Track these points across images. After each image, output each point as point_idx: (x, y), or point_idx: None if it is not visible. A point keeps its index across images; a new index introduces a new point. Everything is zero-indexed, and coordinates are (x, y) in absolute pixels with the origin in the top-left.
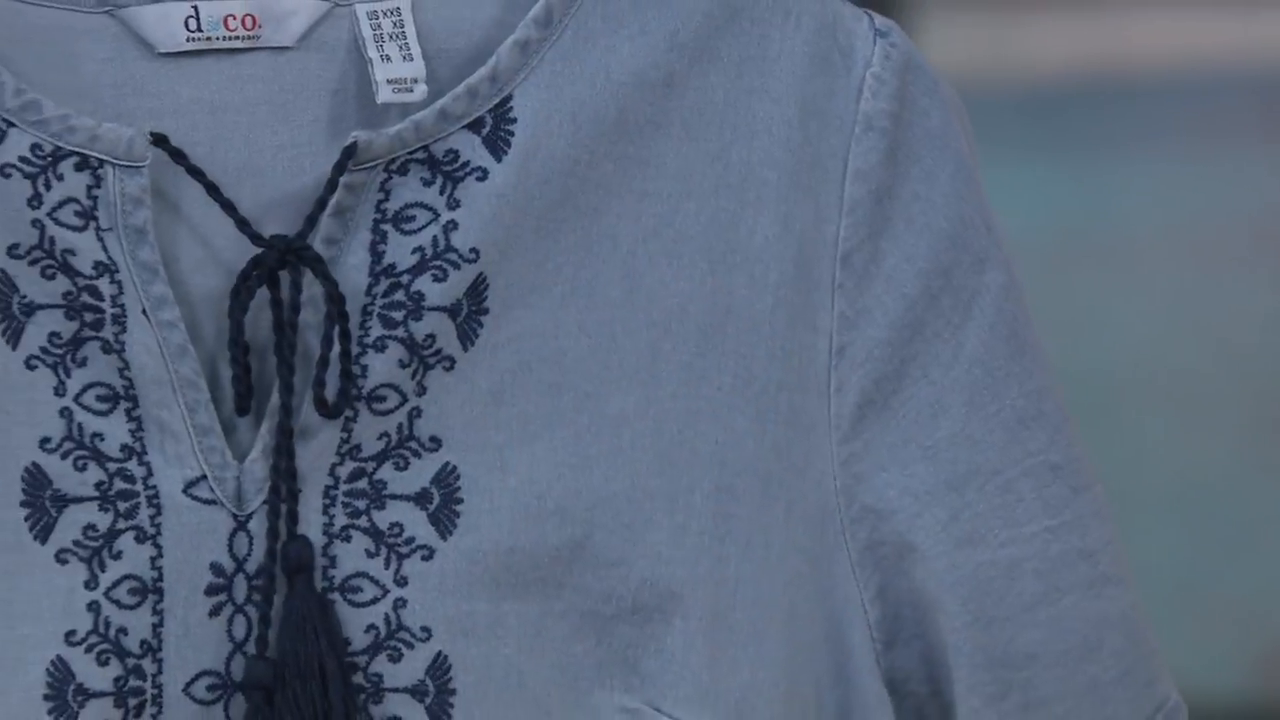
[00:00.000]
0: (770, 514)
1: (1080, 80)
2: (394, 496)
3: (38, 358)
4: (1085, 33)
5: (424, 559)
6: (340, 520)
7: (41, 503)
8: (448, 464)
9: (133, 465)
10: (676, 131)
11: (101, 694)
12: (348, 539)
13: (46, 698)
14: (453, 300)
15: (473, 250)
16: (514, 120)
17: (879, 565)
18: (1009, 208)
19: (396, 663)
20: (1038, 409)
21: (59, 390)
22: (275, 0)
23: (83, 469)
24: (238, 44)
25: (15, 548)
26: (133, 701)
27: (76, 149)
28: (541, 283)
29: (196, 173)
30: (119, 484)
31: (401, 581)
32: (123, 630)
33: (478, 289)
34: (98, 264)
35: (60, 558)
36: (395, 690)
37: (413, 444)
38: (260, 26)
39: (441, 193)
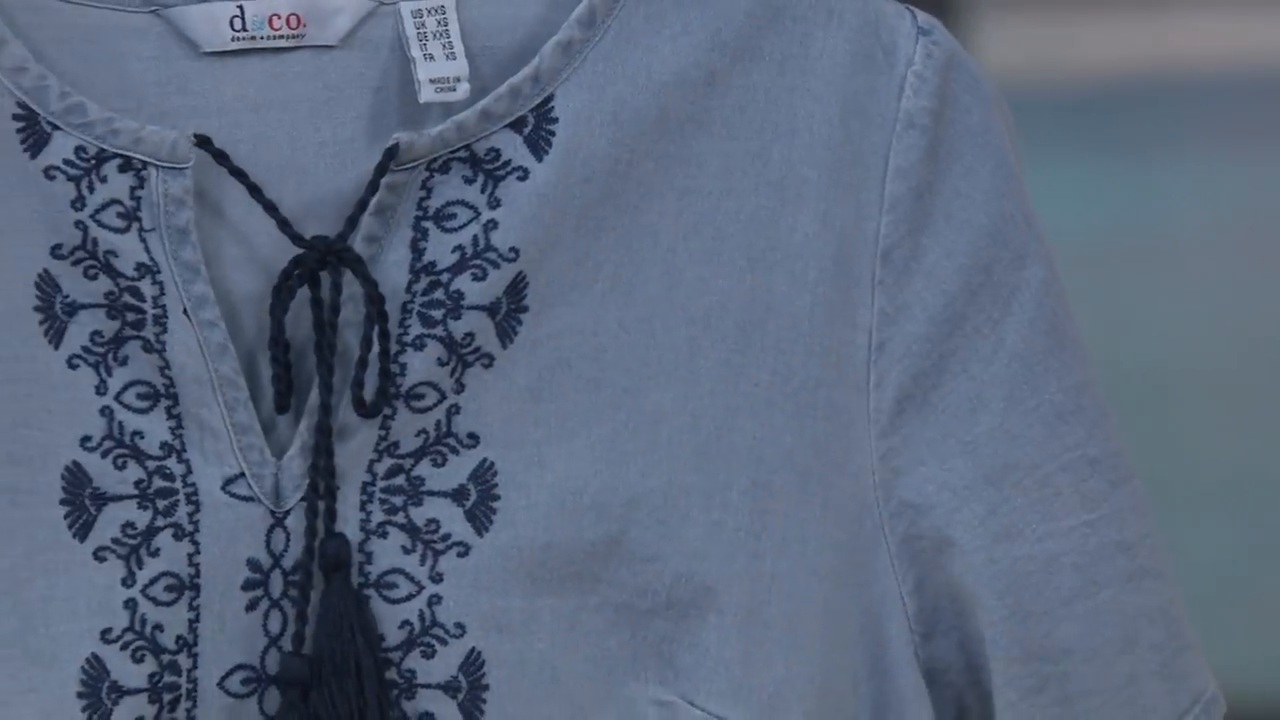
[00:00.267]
0: (807, 509)
1: (1130, 82)
2: (431, 493)
3: (79, 357)
4: (1135, 35)
5: (460, 555)
6: (377, 516)
7: (81, 501)
8: (485, 460)
9: (172, 463)
10: (718, 130)
11: (136, 691)
12: (384, 535)
13: (80, 695)
14: (492, 299)
15: (512, 249)
16: (555, 120)
17: (917, 559)
18: (1059, 207)
19: (430, 659)
20: (1076, 403)
21: (100, 389)
22: (320, 0)
23: (122, 467)
24: (282, 43)
25: (54, 546)
26: (167, 697)
27: (120, 151)
28: (581, 280)
29: (239, 174)
30: (158, 482)
31: (437, 578)
32: (159, 627)
33: (517, 287)
34: (139, 265)
35: (99, 555)
36: (428, 686)
37: (450, 440)
38: (305, 26)
39: (483, 191)
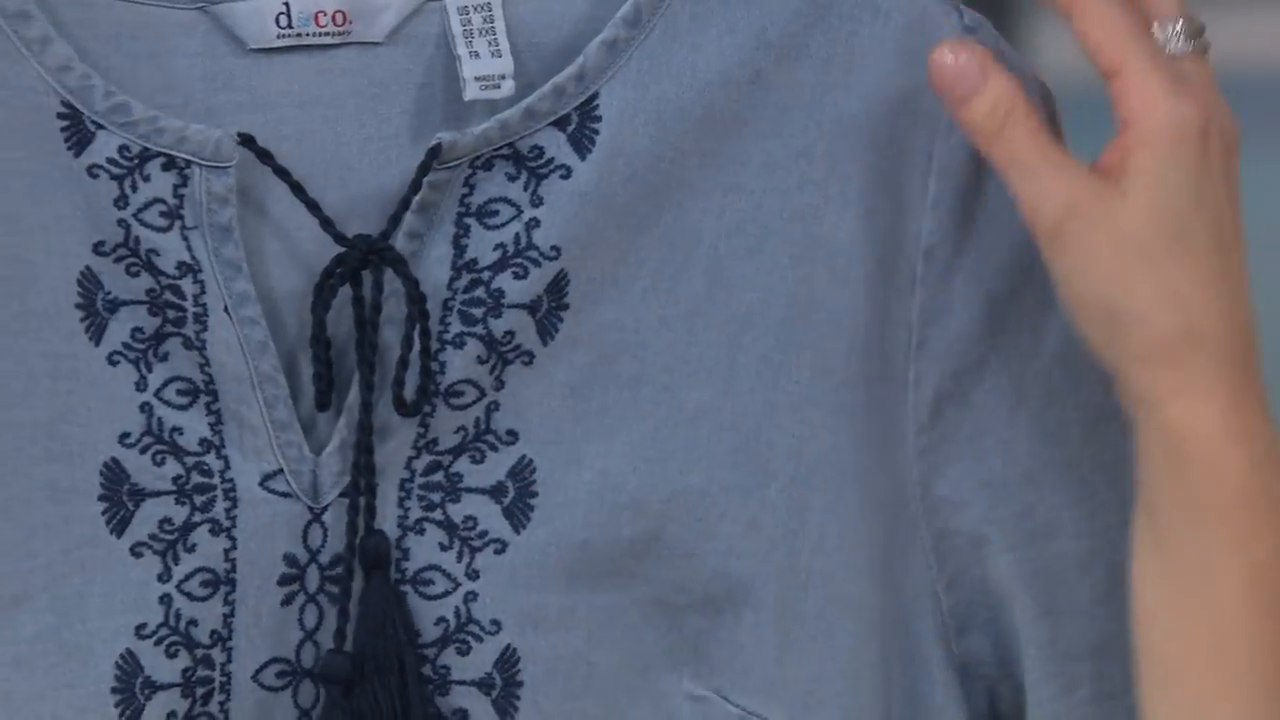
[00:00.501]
0: (846, 506)
1: None
2: (469, 490)
3: (119, 353)
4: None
5: (496, 552)
6: (415, 513)
7: (119, 497)
8: (524, 457)
9: (210, 459)
10: (762, 127)
11: (169, 686)
12: (421, 532)
13: (114, 690)
14: (532, 297)
15: (554, 248)
16: (599, 118)
17: (952, 554)
18: None
19: (465, 655)
20: (1115, 404)
21: (140, 385)
22: None
23: (161, 463)
24: (328, 40)
25: (91, 542)
26: (200, 691)
27: (164, 150)
28: (623, 278)
29: (282, 172)
30: (196, 478)
31: (473, 575)
32: (193, 622)
33: (559, 285)
34: (181, 264)
35: (135, 551)
36: (462, 683)
37: (489, 437)
38: (351, 22)
39: (525, 189)
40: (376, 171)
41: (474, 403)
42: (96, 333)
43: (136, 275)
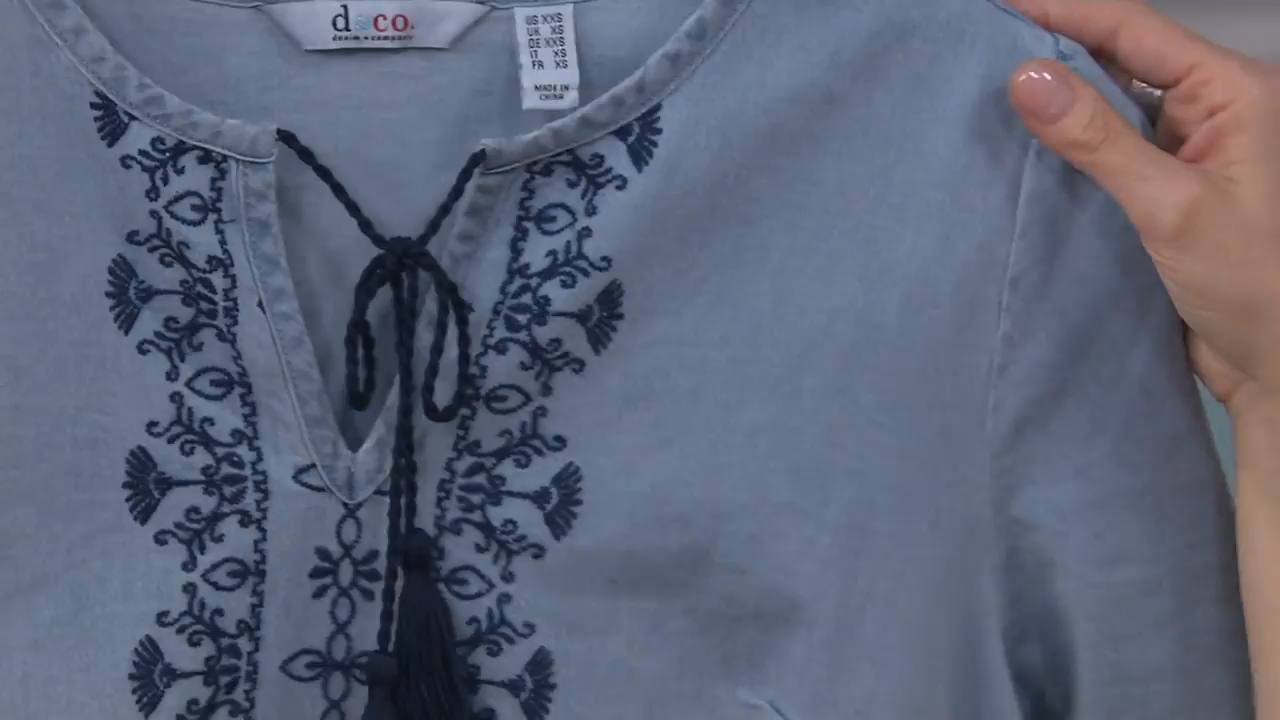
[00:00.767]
0: (913, 530)
1: None
2: (511, 493)
3: (151, 342)
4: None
5: (534, 557)
6: (453, 513)
7: (145, 485)
8: (571, 464)
9: (243, 450)
10: (836, 148)
11: (190, 673)
12: (458, 532)
13: (132, 676)
14: (582, 306)
15: (604, 259)
16: (659, 131)
17: (1018, 573)
18: None
19: (495, 656)
20: (1191, 425)
21: (171, 375)
22: (429, 3)
23: (189, 453)
24: (387, 44)
25: (115, 528)
26: (224, 679)
27: (199, 143)
28: (684, 291)
29: (323, 172)
30: (226, 469)
31: (508, 577)
32: (218, 611)
33: (611, 295)
34: (211, 258)
35: (159, 539)
36: (491, 683)
37: (536, 442)
38: (412, 28)
39: (583, 196)
40: (435, 177)
41: (519, 407)
42: (127, 321)
43: (170, 265)
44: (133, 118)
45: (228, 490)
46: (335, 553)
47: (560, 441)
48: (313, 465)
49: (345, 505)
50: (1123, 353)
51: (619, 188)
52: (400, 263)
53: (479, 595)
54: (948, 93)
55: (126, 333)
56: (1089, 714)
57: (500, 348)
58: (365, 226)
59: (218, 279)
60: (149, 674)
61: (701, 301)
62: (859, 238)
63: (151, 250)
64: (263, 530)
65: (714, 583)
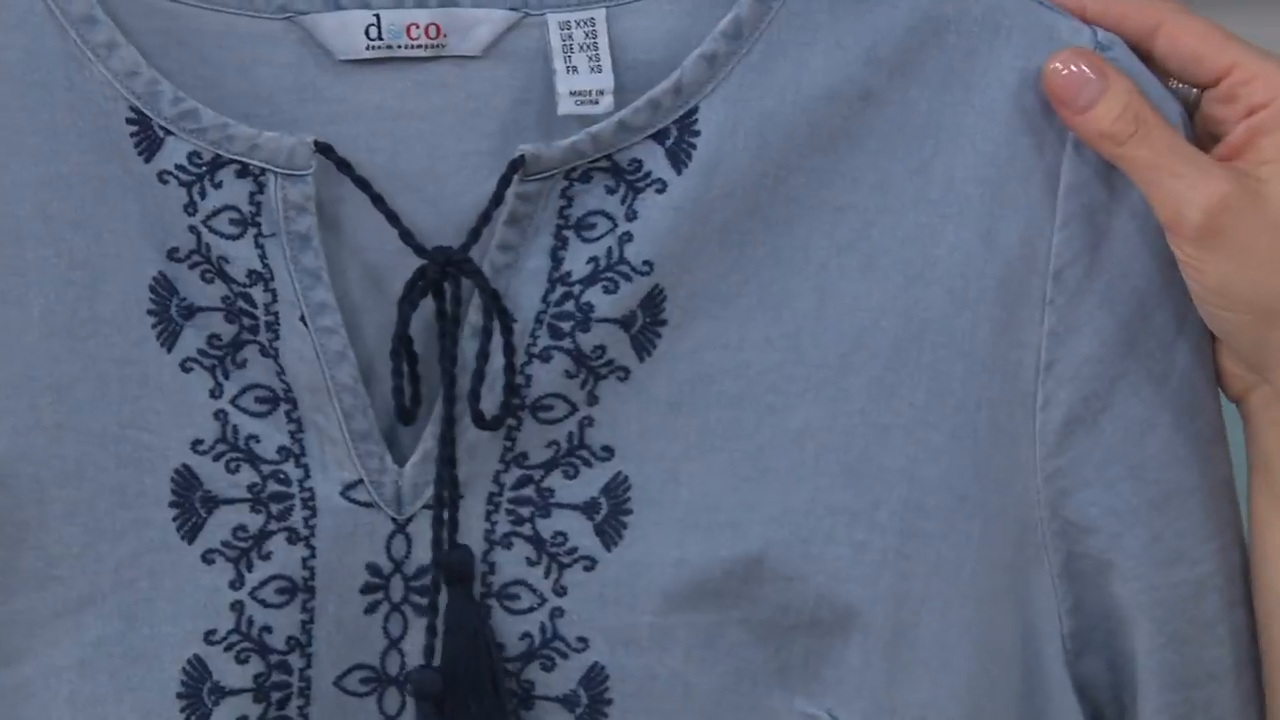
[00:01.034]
0: (965, 530)
1: None
2: (560, 505)
3: (194, 360)
4: None
5: (585, 569)
6: (503, 527)
7: (191, 503)
8: (619, 474)
9: (289, 467)
10: (874, 145)
11: (239, 691)
12: (509, 546)
13: (180, 696)
14: (625, 312)
15: (646, 263)
16: (697, 133)
17: (1078, 579)
18: None
19: (549, 671)
20: (1221, 422)
21: (215, 393)
22: (461, 11)
23: (235, 471)
24: (420, 53)
25: (162, 547)
26: (276, 695)
27: (236, 157)
28: (726, 294)
29: (362, 183)
30: (272, 486)
31: (560, 591)
32: (266, 629)
33: (654, 300)
34: (251, 272)
35: (207, 558)
36: (546, 699)
37: (584, 453)
38: (445, 36)
39: (623, 202)
40: (472, 186)
41: (565, 417)
42: (169, 339)
43: (211, 282)
44: (168, 132)
45: (275, 508)
46: (386, 568)
47: (608, 451)
48: (360, 481)
49: (394, 520)
50: (1168, 346)
51: (659, 191)
52: (443, 272)
53: (531, 610)
54: (984, 86)
55: (169, 350)
56: None
57: (544, 356)
58: (406, 236)
59: (258, 293)
60: (197, 692)
61: (743, 304)
62: (900, 235)
63: (192, 267)
64: (311, 547)
65: (767, 591)
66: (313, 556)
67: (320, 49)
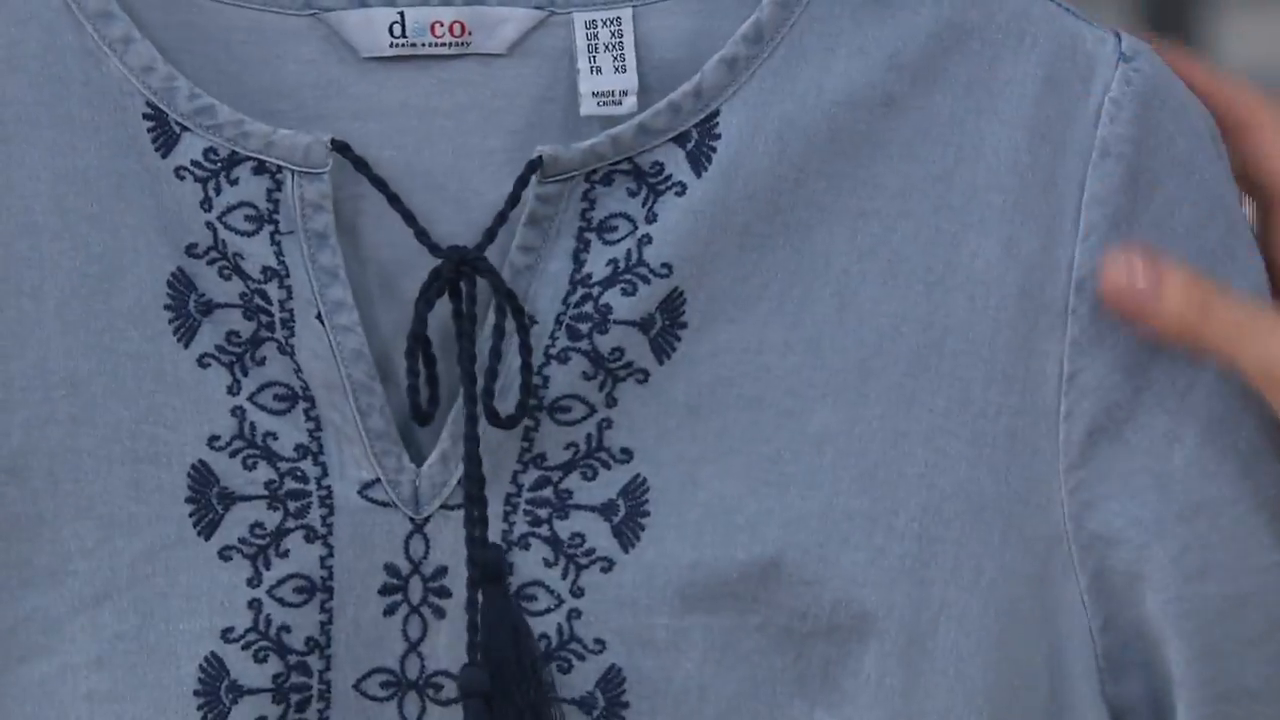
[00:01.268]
0: (984, 539)
1: None
2: (578, 506)
3: (211, 356)
4: None
5: (603, 571)
6: (520, 528)
7: (208, 500)
8: (638, 476)
9: (307, 465)
10: (896, 151)
11: (257, 690)
12: (526, 547)
13: (197, 694)
14: (643, 314)
15: (665, 265)
16: (718, 136)
17: (1108, 594)
18: None
19: (566, 673)
20: (1275, 441)
21: (232, 389)
22: (486, 9)
23: (252, 468)
24: (444, 50)
25: (178, 543)
26: (295, 697)
27: (252, 154)
28: (746, 297)
29: (379, 182)
30: (290, 483)
31: (578, 592)
32: (285, 628)
33: (673, 303)
34: (266, 269)
35: (224, 555)
36: (563, 700)
37: (602, 454)
38: (470, 34)
39: (643, 205)
40: (495, 184)
41: (583, 419)
42: (187, 335)
43: (229, 278)
44: (185, 128)
45: (292, 505)
46: (404, 569)
47: (626, 454)
48: (378, 480)
49: (412, 520)
50: (1194, 358)
51: (679, 194)
52: (458, 272)
53: (548, 611)
54: (1008, 94)
55: (186, 346)
56: None
57: (562, 357)
58: (421, 235)
59: (273, 290)
60: (215, 691)
61: (763, 308)
62: (921, 242)
63: (210, 263)
64: (329, 546)
65: (784, 597)
66: (330, 556)
67: (344, 46)
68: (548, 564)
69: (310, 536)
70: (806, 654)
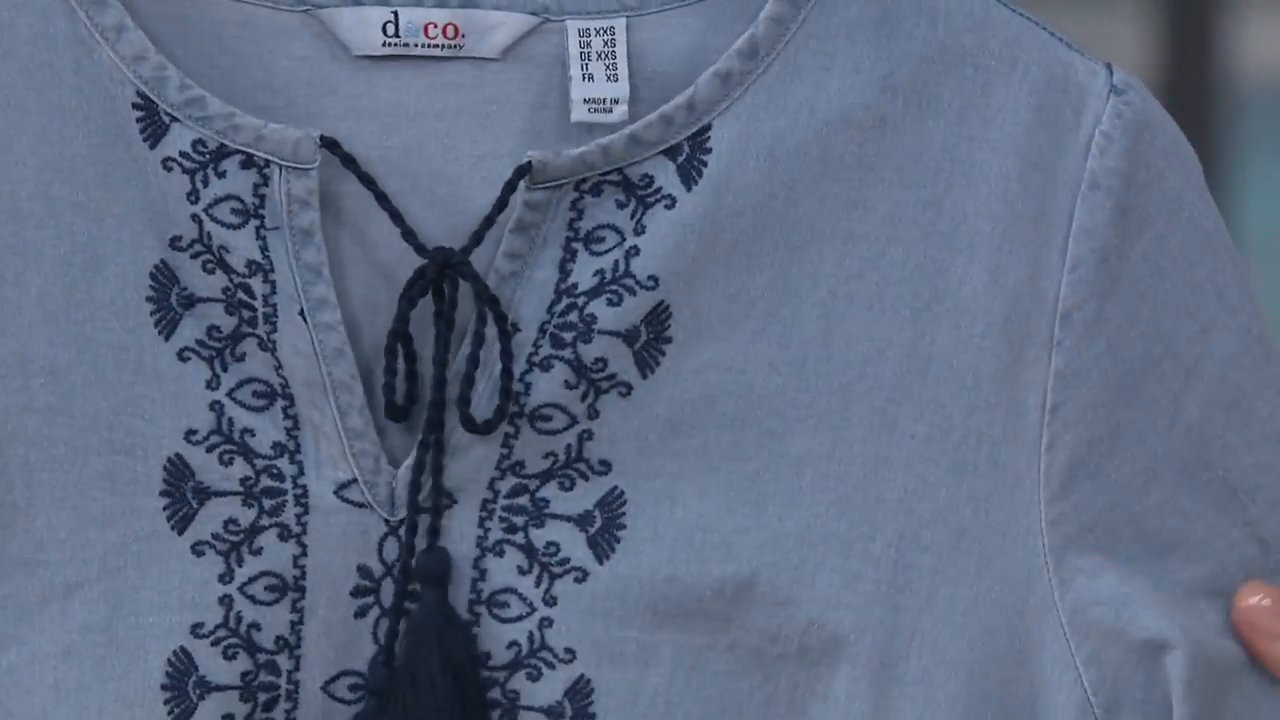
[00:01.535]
0: (960, 568)
1: None
2: (555, 516)
3: (192, 350)
4: None
5: (576, 581)
6: (495, 534)
7: (182, 493)
8: (615, 488)
9: (283, 463)
10: (887, 175)
11: (225, 687)
12: (500, 554)
13: (164, 688)
14: (628, 326)
15: (651, 278)
16: (709, 150)
17: (1091, 627)
18: None
19: (535, 681)
20: (1254, 482)
21: (211, 384)
22: (480, 12)
23: (228, 463)
24: (437, 52)
25: (151, 536)
26: (263, 696)
27: (241, 147)
28: (732, 315)
29: (367, 180)
30: (265, 481)
31: (550, 601)
32: (255, 626)
33: (658, 317)
34: (251, 263)
35: (196, 550)
36: (531, 709)
37: (581, 465)
38: (463, 36)
39: (632, 217)
40: (485, 189)
41: (564, 429)
42: (168, 328)
43: (212, 273)
44: (174, 119)
45: (267, 503)
46: (377, 571)
47: (605, 466)
48: (354, 480)
49: (387, 522)
50: (1176, 396)
51: (668, 207)
52: (442, 273)
53: (520, 619)
54: (1000, 122)
55: (167, 339)
56: None
57: (545, 365)
58: (408, 235)
59: (257, 285)
60: (182, 685)
61: (749, 327)
62: (909, 267)
63: (194, 257)
64: (302, 545)
65: (757, 616)
66: (304, 555)
67: (337, 44)
68: (521, 571)
69: (284, 535)
70: (774, 677)
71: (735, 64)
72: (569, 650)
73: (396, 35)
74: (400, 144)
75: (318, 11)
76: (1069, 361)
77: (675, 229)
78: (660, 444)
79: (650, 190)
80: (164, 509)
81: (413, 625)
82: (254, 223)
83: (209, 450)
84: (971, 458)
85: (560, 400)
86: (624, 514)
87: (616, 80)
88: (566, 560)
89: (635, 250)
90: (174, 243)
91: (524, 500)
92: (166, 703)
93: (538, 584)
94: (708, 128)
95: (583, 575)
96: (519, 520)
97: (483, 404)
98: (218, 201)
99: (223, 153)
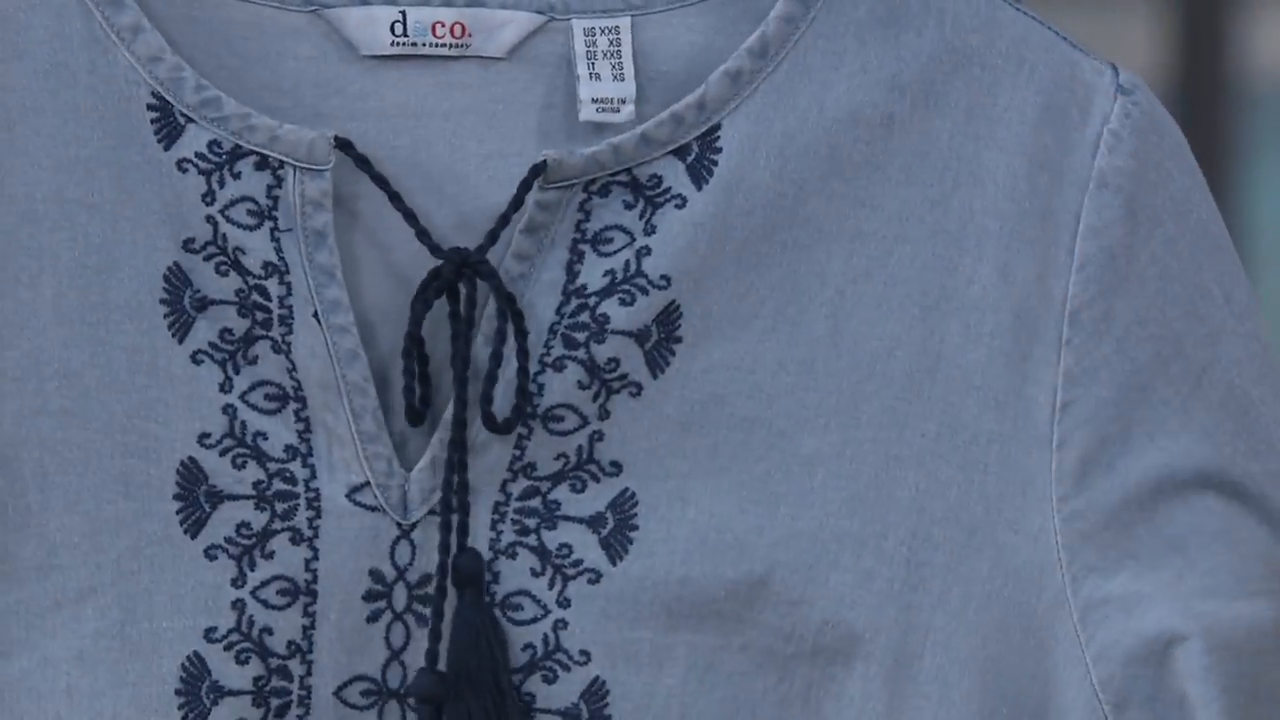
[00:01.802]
0: (973, 565)
1: None
2: (566, 518)
3: (205, 352)
4: None
5: (590, 582)
6: (508, 536)
7: (195, 497)
8: (626, 490)
9: (295, 466)
10: (895, 174)
11: (238, 692)
12: (513, 556)
13: (178, 693)
14: (640, 326)
15: (663, 277)
16: (719, 150)
17: (1104, 622)
18: None
19: (551, 684)
20: (1262, 491)
21: (224, 387)
22: (487, 11)
23: (241, 467)
24: (444, 51)
25: (164, 540)
26: (275, 701)
27: (256, 148)
28: (742, 315)
29: (380, 180)
30: (278, 484)
31: (564, 603)
32: (267, 630)
33: (669, 317)
34: (267, 264)
35: (209, 553)
36: (547, 711)
37: (592, 467)
38: (470, 36)
39: (641, 217)
40: (494, 189)
41: (576, 430)
42: (181, 330)
43: (226, 275)
44: (189, 120)
45: (279, 506)
46: (389, 575)
47: (616, 467)
48: (367, 484)
49: (399, 526)
50: (1186, 399)
51: (678, 206)
52: (458, 273)
53: (534, 621)
54: (1007, 121)
55: (180, 341)
56: None
57: (558, 365)
58: (422, 235)
59: (273, 286)
60: (195, 690)
61: (758, 326)
62: (918, 265)
63: (208, 259)
64: (314, 549)
65: (771, 616)
66: (315, 559)
67: (345, 43)
68: (535, 573)
69: (296, 539)
70: (789, 677)
71: (746, 63)
72: (584, 652)
73: (405, 34)
74: (408, 143)
75: (325, 11)
76: (1079, 360)
77: (687, 228)
78: (671, 444)
79: (659, 190)
80: (177, 513)
81: (459, 629)
82: (269, 224)
83: (222, 454)
84: (982, 456)
85: (573, 400)
86: (636, 515)
87: (623, 80)
88: (580, 562)
89: (646, 250)
90: (187, 245)
91: (535, 502)
92: (180, 708)
93: (551, 586)
94: (717, 127)
95: (596, 577)
96: (531, 522)
97: (499, 405)
98: (233, 203)
99: (238, 154)
